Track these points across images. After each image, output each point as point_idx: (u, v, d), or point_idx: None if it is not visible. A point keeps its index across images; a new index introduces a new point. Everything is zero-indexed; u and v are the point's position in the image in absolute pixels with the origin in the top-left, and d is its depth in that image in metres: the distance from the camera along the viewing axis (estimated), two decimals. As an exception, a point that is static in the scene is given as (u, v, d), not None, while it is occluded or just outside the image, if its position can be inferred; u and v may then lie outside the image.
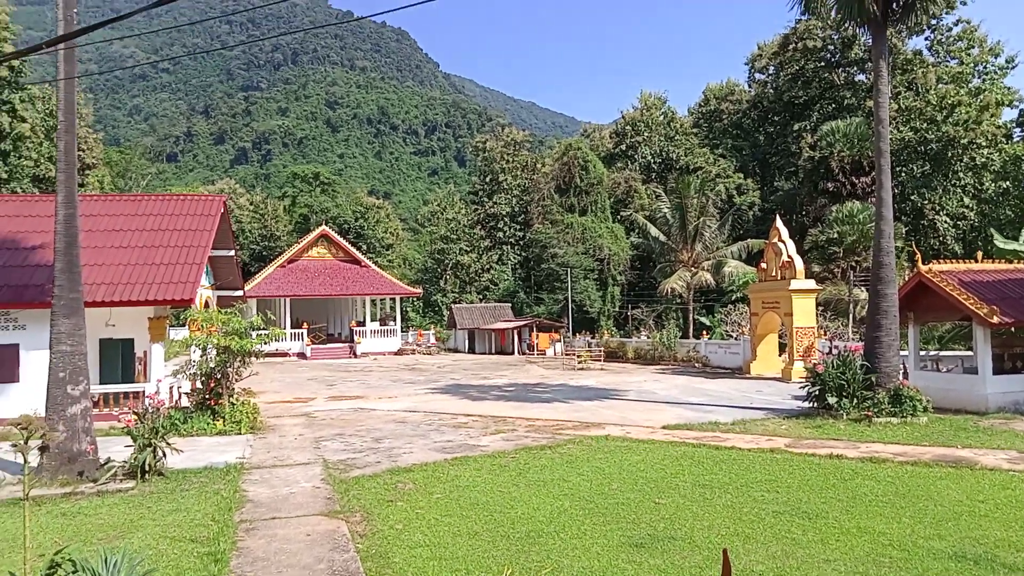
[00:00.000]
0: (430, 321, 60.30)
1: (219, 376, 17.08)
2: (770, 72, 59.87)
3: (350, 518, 9.42)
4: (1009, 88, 50.20)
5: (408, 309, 62.62)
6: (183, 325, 34.08)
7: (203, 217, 21.88)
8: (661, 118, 63.63)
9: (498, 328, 48.62)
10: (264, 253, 59.16)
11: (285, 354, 43.93)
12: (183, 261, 19.69)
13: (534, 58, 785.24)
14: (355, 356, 45.13)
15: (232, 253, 25.43)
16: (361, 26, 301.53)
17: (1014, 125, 50.11)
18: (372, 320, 49.11)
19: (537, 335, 46.59)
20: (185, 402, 18.32)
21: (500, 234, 64.84)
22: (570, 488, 10.72)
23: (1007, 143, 48.90)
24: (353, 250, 50.98)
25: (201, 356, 17.27)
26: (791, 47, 55.24)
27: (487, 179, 67.73)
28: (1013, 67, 50.78)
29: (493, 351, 49.19)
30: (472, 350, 50.75)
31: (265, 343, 18.17)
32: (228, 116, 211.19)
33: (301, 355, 44.71)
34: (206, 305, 24.34)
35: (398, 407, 21.02)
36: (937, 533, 8.21)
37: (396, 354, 47.12)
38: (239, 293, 29.85)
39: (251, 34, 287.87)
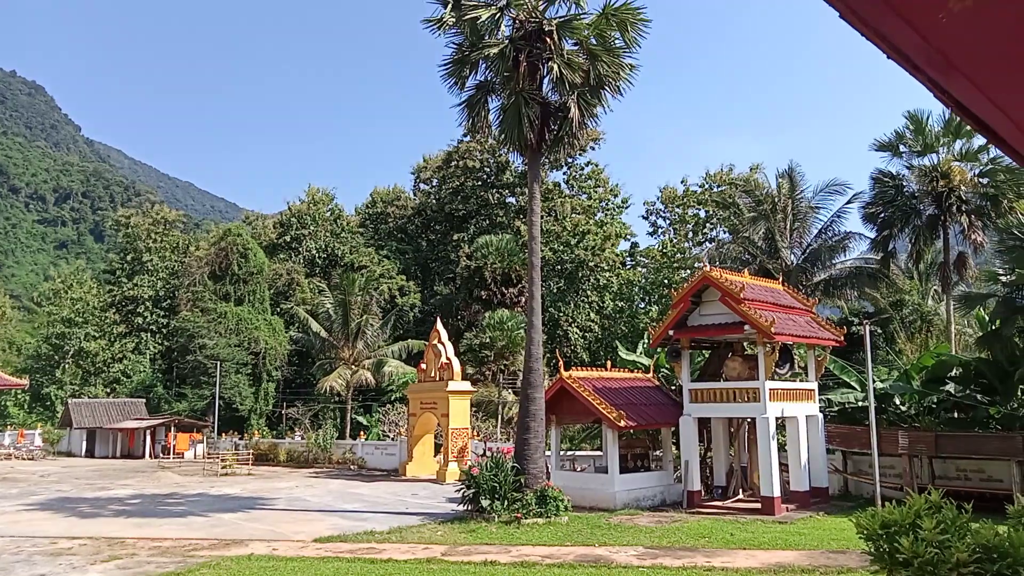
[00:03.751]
0: (38, 419, 50.49)
1: None
2: (434, 184, 63.63)
3: None
4: (624, 223, 59.74)
5: (8, 403, 51.95)
6: None
7: None
8: (328, 214, 63.41)
9: (127, 428, 42.35)
10: None
11: None
12: None
13: (194, 136, 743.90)
14: (-78, 463, 35.53)
15: None
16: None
17: (627, 255, 59.47)
18: (-46, 417, 39.50)
19: (176, 435, 41.44)
20: None
21: (139, 319, 57.75)
22: (200, 628, 8.95)
23: (622, 269, 57.67)
24: (-65, 329, 41.09)
25: None
26: (453, 163, 59.59)
27: (128, 258, 60.51)
28: (627, 207, 60.78)
29: (119, 455, 42.60)
30: (91, 454, 43.35)
31: None
32: None
33: None
34: None
35: (-26, 531, 16.50)
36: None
37: (-16, 460, 38.25)
38: None
39: None
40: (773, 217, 33.44)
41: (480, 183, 59.74)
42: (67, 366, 54.00)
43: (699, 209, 55.44)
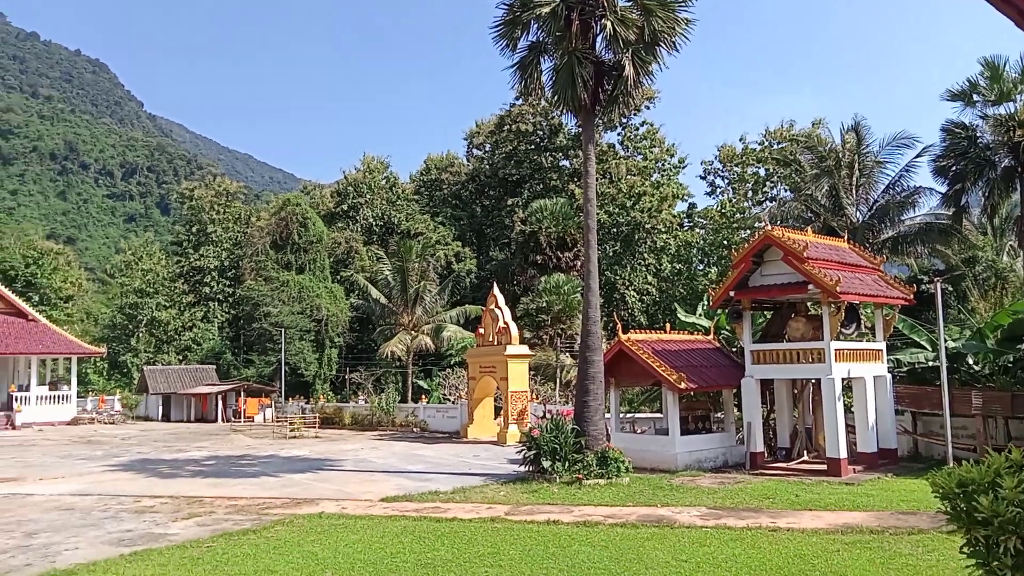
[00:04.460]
0: (116, 385, 53.02)
1: None
2: (487, 149, 63.54)
3: (-24, 649, 7.17)
4: (681, 184, 58.68)
5: (89, 371, 54.57)
6: None
7: None
8: (383, 182, 64.07)
9: (199, 392, 44.08)
10: None
11: (-88, 427, 35.39)
12: None
13: (252, 110, 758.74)
14: (14, 427, 37.79)
15: None
16: (50, 51, 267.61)
17: (684, 216, 58.50)
18: (40, 384, 41.68)
19: (245, 400, 43.00)
20: None
21: (207, 289, 59.81)
22: (277, 581, 9.36)
23: (680, 231, 56.81)
24: (18, 301, 43.18)
25: None
26: (506, 128, 59.30)
27: (194, 229, 62.52)
28: (684, 167, 59.65)
29: (193, 419, 44.42)
30: (167, 418, 45.34)
31: None
32: None
33: (-64, 428, 36.33)
34: None
35: (65, 490, 17.52)
36: (652, 598, 8.33)
37: (70, 424, 40.38)
38: None
39: None
40: (837, 173, 32.35)
41: (533, 147, 59.38)
42: (141, 335, 56.42)
43: (759, 167, 54.03)
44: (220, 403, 43.76)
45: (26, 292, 50.83)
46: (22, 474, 20.59)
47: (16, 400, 39.60)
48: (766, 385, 19.90)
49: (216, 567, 10.08)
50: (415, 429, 34.21)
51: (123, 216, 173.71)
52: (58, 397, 41.84)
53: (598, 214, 51.96)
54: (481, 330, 31.41)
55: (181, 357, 55.90)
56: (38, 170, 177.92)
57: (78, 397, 44.03)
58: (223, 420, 43.02)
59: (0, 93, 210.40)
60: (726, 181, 55.99)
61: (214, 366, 50.81)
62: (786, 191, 49.75)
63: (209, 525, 13.01)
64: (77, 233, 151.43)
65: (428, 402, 37.88)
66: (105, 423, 41.47)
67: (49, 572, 10.00)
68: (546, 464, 17.11)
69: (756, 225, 45.22)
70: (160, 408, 45.90)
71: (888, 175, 32.66)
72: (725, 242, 51.18)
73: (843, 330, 18.28)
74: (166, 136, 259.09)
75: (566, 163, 59.37)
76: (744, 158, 54.24)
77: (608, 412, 20.46)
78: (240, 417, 42.09)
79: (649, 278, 55.26)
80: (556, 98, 20.66)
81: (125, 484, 18.45)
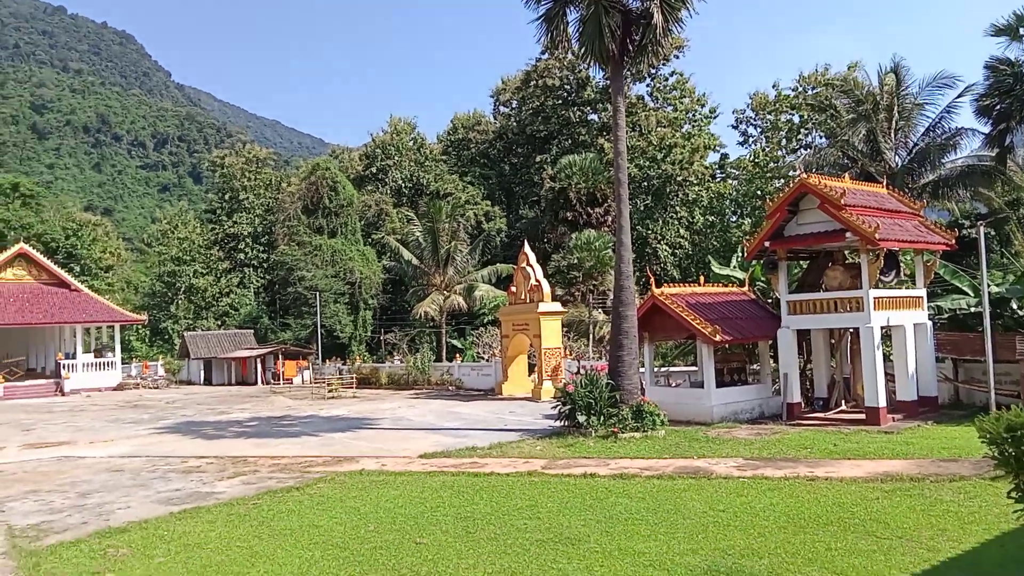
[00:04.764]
0: (159, 351, 54.38)
1: None
2: (513, 106, 62.79)
3: (39, 602, 7.50)
4: (712, 135, 57.49)
5: (131, 338, 56.02)
6: None
7: None
8: (411, 143, 63.85)
9: (239, 356, 45.01)
10: (-57, 275, 49.29)
11: (-32, 395, 36.76)
12: None
13: (279, 76, 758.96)
14: (63, 394, 39.05)
15: None
16: (77, 25, 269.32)
17: (716, 167, 57.45)
18: (86, 352, 42.91)
19: (283, 363, 43.82)
20: None
21: (241, 255, 60.71)
22: (321, 535, 9.61)
23: (712, 182, 55.86)
24: (60, 272, 44.29)
25: None
26: (532, 84, 58.45)
27: (226, 197, 63.22)
28: (715, 117, 58.37)
29: (233, 382, 45.44)
30: (209, 381, 46.46)
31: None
32: None
33: (-10, 396, 37.69)
34: None
35: (115, 452, 18.11)
36: (690, 548, 8.39)
37: (116, 389, 41.62)
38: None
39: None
40: (875, 117, 31.34)
41: (560, 102, 58.52)
42: (180, 301, 57.61)
43: (793, 114, 52.65)
44: (259, 366, 44.65)
45: (67, 263, 52.01)
46: (74, 438, 21.32)
47: (64, 367, 40.85)
48: (803, 336, 19.65)
49: (262, 523, 10.37)
50: (450, 387, 34.60)
51: (157, 186, 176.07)
52: (104, 364, 43.09)
53: (628, 168, 51.22)
54: (513, 288, 31.42)
55: (220, 322, 57.05)
56: (73, 143, 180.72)
57: (123, 363, 45.27)
58: (263, 382, 43.94)
59: (32, 68, 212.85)
60: (759, 130, 54.72)
61: (252, 330, 51.75)
62: (821, 138, 48.48)
63: (254, 483, 13.36)
64: (113, 204, 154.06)
65: (462, 361, 38.22)
66: (150, 388, 42.63)
67: (104, 530, 10.37)
68: (581, 419, 17.19)
69: (791, 174, 44.29)
70: (202, 372, 47.01)
71: (928, 117, 31.55)
72: (759, 192, 50.23)
73: (882, 278, 17.92)
74: (195, 105, 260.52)
75: (594, 117, 58.46)
76: (777, 105, 52.86)
77: (642, 366, 20.42)
78: (279, 379, 42.95)
79: (681, 231, 54.62)
80: (583, 50, 20.20)
81: (172, 446, 19.00)
